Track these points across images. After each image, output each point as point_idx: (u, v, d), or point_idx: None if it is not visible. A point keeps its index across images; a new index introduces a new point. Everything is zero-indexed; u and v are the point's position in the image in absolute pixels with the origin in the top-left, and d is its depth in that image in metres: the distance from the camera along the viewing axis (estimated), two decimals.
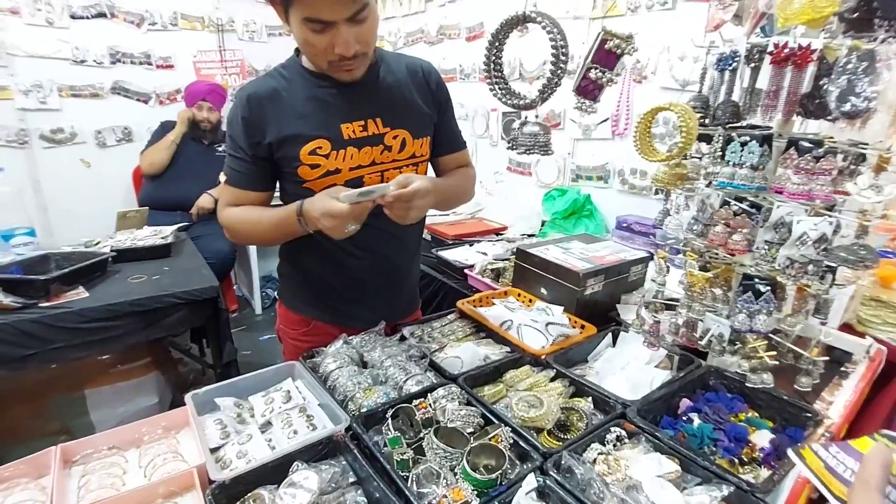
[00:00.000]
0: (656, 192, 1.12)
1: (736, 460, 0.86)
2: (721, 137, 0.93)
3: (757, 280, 0.89)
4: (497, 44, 0.92)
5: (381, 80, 1.11)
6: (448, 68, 3.14)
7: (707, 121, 0.98)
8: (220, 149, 3.13)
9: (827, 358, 0.96)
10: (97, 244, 2.07)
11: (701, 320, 1.01)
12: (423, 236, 2.47)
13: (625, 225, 2.05)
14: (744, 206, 0.88)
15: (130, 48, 3.34)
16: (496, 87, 0.97)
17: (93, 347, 1.65)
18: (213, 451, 0.89)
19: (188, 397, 0.97)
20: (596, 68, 0.88)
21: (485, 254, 1.99)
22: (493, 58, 0.95)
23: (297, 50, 1.10)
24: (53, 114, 3.19)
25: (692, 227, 0.98)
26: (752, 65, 0.89)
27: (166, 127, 3.13)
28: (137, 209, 2.47)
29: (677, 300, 1.08)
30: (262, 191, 1.13)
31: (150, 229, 2.26)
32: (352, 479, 0.82)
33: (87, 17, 3.17)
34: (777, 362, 0.90)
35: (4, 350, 1.49)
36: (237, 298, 3.81)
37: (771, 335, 0.96)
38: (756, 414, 0.98)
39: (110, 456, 0.85)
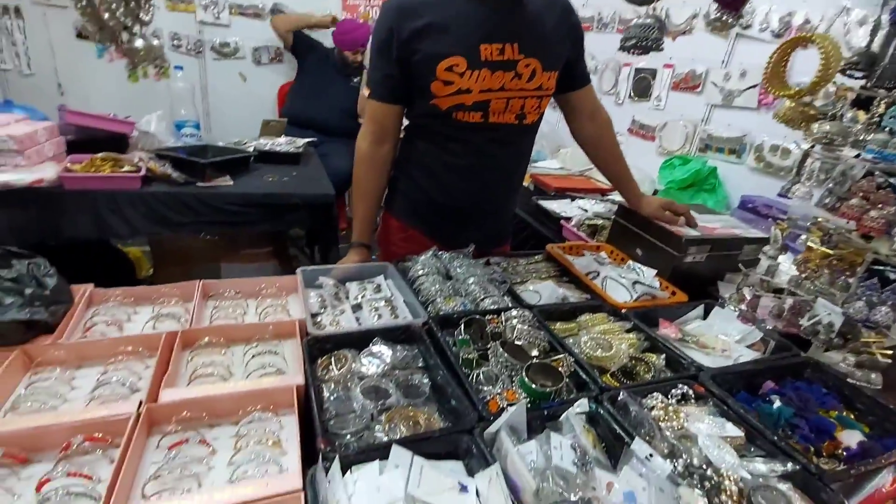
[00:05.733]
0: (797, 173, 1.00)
1: (812, 448, 0.80)
2: (882, 102, 0.81)
3: (890, 267, 0.79)
4: None
5: (525, 6, 1.13)
6: (586, 16, 2.96)
7: (868, 82, 0.85)
8: (355, 80, 3.40)
9: None
10: (245, 144, 2.39)
11: (810, 303, 0.92)
12: (527, 185, 2.47)
13: (750, 205, 1.84)
14: (893, 180, 0.77)
15: None
16: None
17: (230, 227, 1.96)
18: (312, 316, 1.05)
19: (298, 271, 1.13)
20: None
21: (585, 210, 1.94)
22: None
23: None
24: (223, 29, 3.63)
25: (824, 200, 0.88)
26: None
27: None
28: (279, 119, 2.77)
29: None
30: (398, 104, 1.21)
31: (286, 138, 2.53)
32: (420, 364, 0.92)
33: None
34: (890, 361, 0.81)
35: (167, 214, 1.84)
36: (347, 219, 4.15)
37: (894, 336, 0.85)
38: (851, 415, 0.89)
39: (236, 299, 1.05)
